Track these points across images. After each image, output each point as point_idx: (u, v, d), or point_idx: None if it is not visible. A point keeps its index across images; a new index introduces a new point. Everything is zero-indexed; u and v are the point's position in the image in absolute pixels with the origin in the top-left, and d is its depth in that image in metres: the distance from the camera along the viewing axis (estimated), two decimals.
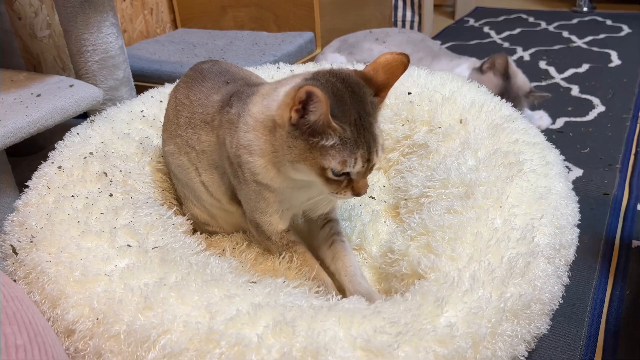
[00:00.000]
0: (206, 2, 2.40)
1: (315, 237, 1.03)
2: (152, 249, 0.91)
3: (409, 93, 1.35)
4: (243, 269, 0.95)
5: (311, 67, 1.50)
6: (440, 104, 1.27)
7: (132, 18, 2.33)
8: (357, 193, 0.84)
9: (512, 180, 0.98)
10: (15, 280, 0.89)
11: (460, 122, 1.21)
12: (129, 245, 0.90)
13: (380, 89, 0.85)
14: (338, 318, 0.74)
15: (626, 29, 2.79)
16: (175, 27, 2.53)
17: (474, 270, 0.81)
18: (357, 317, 0.74)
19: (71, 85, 1.32)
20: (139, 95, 1.42)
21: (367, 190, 1.23)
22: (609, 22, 2.94)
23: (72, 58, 1.44)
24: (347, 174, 0.83)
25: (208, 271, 0.85)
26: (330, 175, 0.82)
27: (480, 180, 1.00)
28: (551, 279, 0.86)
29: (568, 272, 0.93)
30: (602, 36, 2.71)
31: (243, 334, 0.72)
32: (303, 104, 0.77)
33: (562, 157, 1.11)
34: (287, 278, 0.92)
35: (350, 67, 1.10)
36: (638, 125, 1.81)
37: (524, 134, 1.12)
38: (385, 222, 1.17)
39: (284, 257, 0.98)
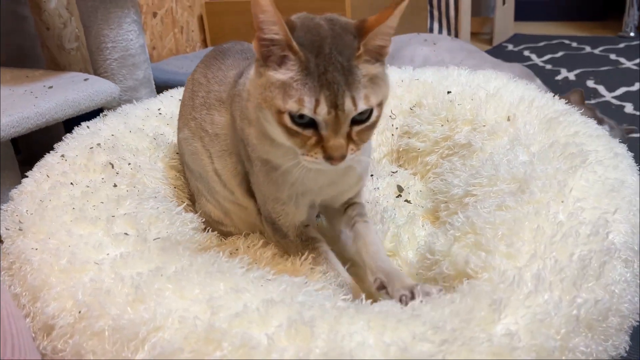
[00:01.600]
0: (236, 20, 2.36)
1: (337, 223, 0.90)
2: (153, 239, 0.79)
3: (449, 92, 1.23)
4: (258, 267, 0.81)
5: None
6: (484, 101, 1.14)
7: (162, 35, 2.30)
8: (328, 155, 0.67)
9: (576, 171, 0.83)
10: None
11: (508, 119, 1.08)
12: (126, 234, 0.78)
13: (365, 32, 0.69)
14: (367, 321, 0.60)
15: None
16: (206, 46, 2.49)
17: (538, 269, 0.66)
18: (391, 321, 0.60)
19: (86, 79, 1.25)
20: (158, 95, 1.34)
21: (403, 194, 1.13)
22: None
23: (91, 56, 1.37)
24: (313, 124, 0.67)
25: (215, 264, 0.72)
26: (287, 122, 0.67)
27: (536, 173, 0.85)
28: (631, 287, 0.70)
29: None
30: None
31: (250, 334, 0.58)
32: (258, 24, 0.66)
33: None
34: (310, 280, 0.78)
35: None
36: None
37: (584, 126, 0.98)
38: (422, 225, 1.02)
39: (306, 258, 0.84)
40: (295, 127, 0.67)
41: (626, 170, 0.86)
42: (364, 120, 0.69)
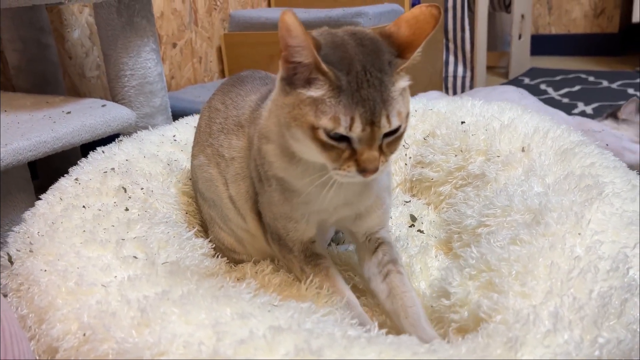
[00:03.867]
0: (254, 52, 2.40)
1: (366, 265, 0.86)
2: (162, 263, 0.78)
3: (463, 122, 1.23)
4: (265, 292, 0.80)
5: None
6: (498, 131, 1.14)
7: (180, 65, 2.34)
8: (362, 168, 0.67)
9: (592, 203, 0.81)
10: (6, 295, 0.78)
11: (523, 150, 1.07)
12: (135, 257, 0.78)
13: (404, 48, 0.69)
14: (379, 353, 0.58)
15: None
16: (223, 76, 2.53)
17: (555, 307, 0.63)
18: (405, 354, 0.58)
19: (103, 105, 1.27)
20: (174, 122, 1.35)
21: (416, 224, 1.11)
22: None
23: (109, 83, 1.40)
24: (347, 139, 0.67)
25: (221, 289, 0.71)
26: (323, 137, 0.66)
27: (551, 204, 0.84)
28: None
29: None
30: None
31: None
32: (286, 47, 0.65)
33: None
34: (316, 305, 0.77)
35: None
36: None
37: (601, 157, 0.96)
38: (436, 256, 1.00)
39: (312, 282, 0.83)
40: (330, 141, 0.67)
41: None
42: (393, 132, 0.69)
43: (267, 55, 2.37)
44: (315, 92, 0.66)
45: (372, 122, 0.66)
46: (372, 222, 0.85)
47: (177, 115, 1.73)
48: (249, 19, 2.41)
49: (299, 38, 0.64)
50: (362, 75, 0.66)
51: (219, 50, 2.51)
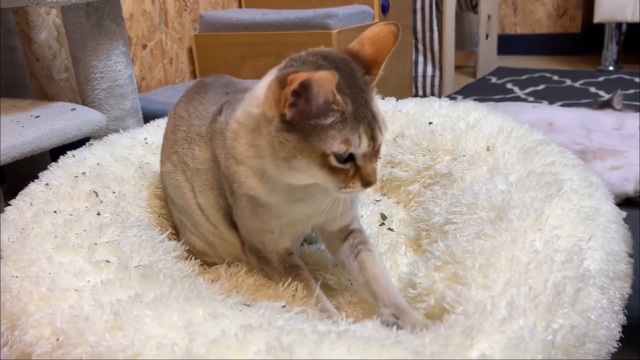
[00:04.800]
0: (226, 53, 2.40)
1: (339, 251, 0.90)
2: (135, 267, 0.79)
3: (430, 123, 1.26)
4: (238, 293, 0.81)
5: None
6: (464, 132, 1.17)
7: (151, 66, 2.33)
8: (367, 182, 0.72)
9: (552, 200, 0.85)
10: None
11: (488, 150, 1.10)
12: (107, 261, 0.78)
13: (370, 65, 0.74)
14: (348, 347, 0.60)
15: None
16: (195, 77, 2.53)
17: (512, 297, 0.67)
18: (373, 347, 0.60)
19: (73, 109, 1.26)
20: (145, 125, 1.35)
21: (386, 222, 1.15)
22: (637, 79, 2.86)
23: (79, 86, 1.39)
24: (352, 158, 0.71)
25: (194, 291, 0.72)
26: (333, 162, 0.69)
27: (513, 201, 0.87)
28: (607, 313, 0.71)
29: (624, 309, 0.78)
30: (631, 91, 2.62)
31: None
32: (297, 95, 0.67)
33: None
34: (290, 306, 0.79)
35: None
36: None
37: (560, 156, 1.01)
38: (405, 253, 1.03)
39: (289, 285, 0.85)
40: (339, 165, 0.70)
41: (601, 198, 0.88)
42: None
43: (239, 56, 2.38)
44: (325, 120, 0.68)
45: (372, 137, 0.70)
46: (344, 221, 0.89)
47: (148, 117, 1.73)
48: (220, 19, 2.40)
49: (328, 86, 0.66)
50: (353, 96, 0.70)
51: (190, 51, 2.50)
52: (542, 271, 0.71)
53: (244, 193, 0.81)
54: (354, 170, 0.71)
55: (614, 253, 0.79)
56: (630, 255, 0.85)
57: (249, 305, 0.71)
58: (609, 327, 0.70)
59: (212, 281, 0.87)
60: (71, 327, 0.65)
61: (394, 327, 0.73)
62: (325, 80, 0.65)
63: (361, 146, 0.70)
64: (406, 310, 0.78)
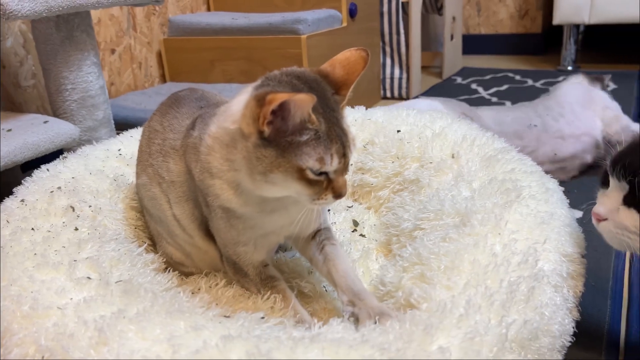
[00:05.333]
0: (195, 57, 2.41)
1: (307, 249, 0.94)
2: (116, 282, 0.81)
3: (398, 131, 1.31)
4: (217, 305, 0.84)
5: None
6: (430, 139, 1.23)
7: (120, 71, 2.32)
8: (338, 194, 0.77)
9: (511, 206, 0.91)
10: None
11: (452, 157, 1.16)
12: (88, 278, 0.80)
13: (340, 87, 0.80)
14: (322, 349, 0.65)
15: (612, 85, 2.83)
16: (164, 81, 2.53)
17: (470, 296, 0.73)
18: (342, 348, 0.65)
19: (45, 122, 1.27)
20: (117, 135, 1.36)
21: (358, 229, 1.19)
22: None
23: (50, 97, 1.39)
24: (326, 173, 0.76)
25: (175, 304, 0.75)
26: (310, 175, 0.75)
27: (476, 207, 0.93)
28: (560, 310, 0.77)
29: (578, 307, 0.84)
30: None
31: None
32: (275, 114, 0.71)
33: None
34: (268, 317, 0.82)
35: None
36: None
37: (520, 163, 1.07)
38: (376, 259, 1.08)
39: (268, 298, 0.88)
40: (316, 177, 0.75)
41: (556, 203, 0.95)
42: None
43: (208, 60, 2.39)
44: (300, 137, 0.73)
45: (343, 155, 0.76)
46: (314, 227, 0.94)
47: (118, 123, 1.73)
48: (188, 24, 2.41)
49: (306, 107, 0.70)
50: (325, 115, 0.74)
51: (159, 55, 2.50)
52: (499, 272, 0.76)
53: (219, 205, 0.84)
54: (326, 183, 0.76)
55: (567, 254, 0.85)
56: (583, 256, 0.92)
57: (228, 317, 0.75)
58: (562, 323, 0.76)
59: (192, 293, 0.90)
60: (56, 345, 0.67)
61: (352, 319, 0.79)
62: (303, 102, 0.69)
63: (333, 164, 0.75)
64: (362, 294, 0.84)
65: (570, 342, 0.79)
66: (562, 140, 1.71)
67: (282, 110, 0.70)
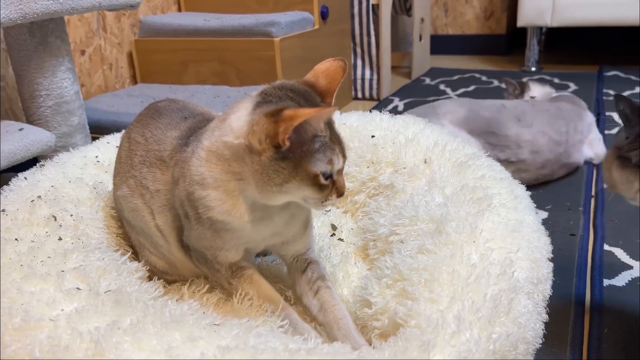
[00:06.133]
0: (167, 58, 2.40)
1: (297, 283, 0.97)
2: (105, 292, 0.83)
3: (373, 136, 1.35)
4: (205, 313, 0.87)
5: None
6: (404, 145, 1.27)
7: (90, 73, 2.30)
8: (341, 192, 0.83)
9: (483, 214, 0.95)
10: None
11: (425, 162, 1.21)
12: (78, 289, 0.81)
13: (324, 95, 0.86)
14: None
15: (573, 86, 2.95)
16: (135, 82, 2.51)
17: (458, 311, 0.76)
18: None
19: (20, 129, 1.26)
20: (94, 142, 1.36)
21: (337, 233, 1.23)
22: (556, 80, 3.09)
23: (23, 103, 1.38)
24: (331, 175, 0.82)
25: (167, 313, 0.78)
26: (322, 180, 0.80)
27: (450, 215, 0.97)
28: (533, 316, 0.82)
29: (546, 308, 0.90)
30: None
31: None
32: (296, 129, 0.75)
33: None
34: (250, 317, 0.85)
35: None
36: (594, 171, 1.86)
37: (490, 170, 1.12)
38: (355, 263, 1.12)
39: (244, 298, 0.91)
40: (326, 182, 0.81)
41: (524, 210, 1.00)
42: None
43: (181, 61, 2.38)
44: (313, 146, 0.79)
45: (344, 155, 0.82)
46: (298, 246, 0.96)
47: (91, 127, 1.71)
48: (160, 25, 2.40)
49: (320, 119, 0.77)
50: (326, 122, 0.80)
51: (130, 56, 2.48)
52: (480, 284, 0.80)
53: (209, 217, 0.86)
54: (331, 184, 0.82)
55: (537, 260, 0.90)
56: (552, 259, 0.97)
57: (219, 325, 0.77)
58: (534, 328, 0.81)
59: (176, 300, 0.92)
60: (51, 357, 0.69)
61: None
62: (322, 116, 0.77)
63: (339, 164, 0.82)
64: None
65: (541, 344, 0.84)
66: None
67: (302, 125, 0.75)
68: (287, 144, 0.76)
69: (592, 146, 1.89)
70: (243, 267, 0.94)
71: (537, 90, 2.17)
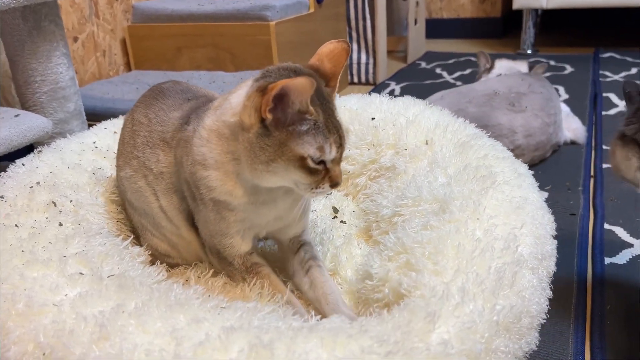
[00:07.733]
0: (161, 44, 2.37)
1: (290, 263, 0.97)
2: (108, 277, 0.82)
3: (373, 118, 1.34)
4: (210, 296, 0.86)
5: None
6: (404, 126, 1.26)
7: (83, 60, 2.27)
8: (335, 183, 0.81)
9: (487, 192, 0.95)
10: None
11: (426, 143, 1.20)
12: (81, 274, 0.81)
13: (329, 78, 0.84)
14: (321, 339, 0.67)
15: (569, 68, 2.94)
16: (129, 69, 2.48)
17: (462, 283, 0.76)
18: (341, 337, 0.68)
19: (16, 115, 1.24)
20: (91, 128, 1.34)
21: (338, 215, 1.22)
22: (552, 62, 3.08)
23: (18, 89, 1.36)
24: (323, 162, 0.80)
25: (172, 297, 0.77)
26: (310, 164, 0.78)
27: (454, 194, 0.97)
28: (537, 291, 0.83)
29: (550, 284, 0.90)
30: (548, 74, 2.83)
31: None
32: (276, 101, 0.74)
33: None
34: (260, 304, 0.85)
35: None
36: (592, 151, 1.86)
37: (492, 149, 1.12)
38: (358, 245, 1.11)
39: (255, 284, 0.91)
40: (315, 166, 0.78)
41: (528, 188, 1.00)
42: None
43: (175, 47, 2.35)
44: (301, 127, 0.76)
45: (340, 145, 0.79)
46: (297, 229, 0.96)
47: (87, 114, 1.69)
48: (153, 10, 2.36)
49: (306, 93, 0.74)
50: (323, 107, 0.78)
51: (123, 42, 2.45)
52: (485, 258, 0.80)
53: (211, 198, 0.85)
54: (324, 172, 0.80)
55: (541, 237, 0.90)
56: (555, 237, 0.97)
57: (225, 308, 0.77)
58: (539, 302, 0.82)
59: (182, 285, 0.91)
60: (56, 342, 0.68)
61: None
62: (303, 86, 0.73)
63: (332, 154, 0.79)
64: None
65: (545, 319, 0.84)
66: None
67: (283, 96, 0.73)
68: (269, 116, 0.75)
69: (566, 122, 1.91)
70: (258, 263, 0.94)
71: (502, 68, 2.19)
